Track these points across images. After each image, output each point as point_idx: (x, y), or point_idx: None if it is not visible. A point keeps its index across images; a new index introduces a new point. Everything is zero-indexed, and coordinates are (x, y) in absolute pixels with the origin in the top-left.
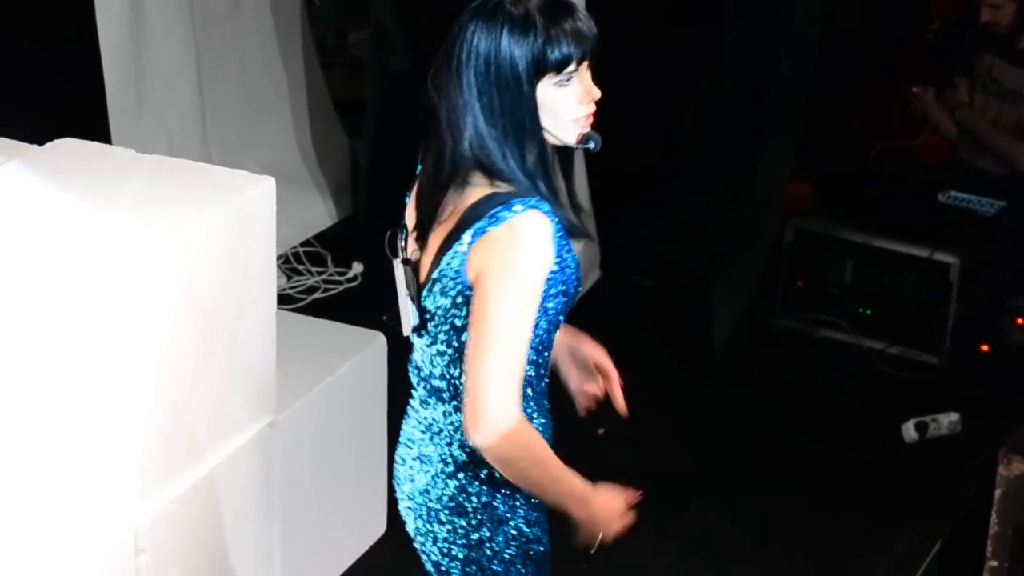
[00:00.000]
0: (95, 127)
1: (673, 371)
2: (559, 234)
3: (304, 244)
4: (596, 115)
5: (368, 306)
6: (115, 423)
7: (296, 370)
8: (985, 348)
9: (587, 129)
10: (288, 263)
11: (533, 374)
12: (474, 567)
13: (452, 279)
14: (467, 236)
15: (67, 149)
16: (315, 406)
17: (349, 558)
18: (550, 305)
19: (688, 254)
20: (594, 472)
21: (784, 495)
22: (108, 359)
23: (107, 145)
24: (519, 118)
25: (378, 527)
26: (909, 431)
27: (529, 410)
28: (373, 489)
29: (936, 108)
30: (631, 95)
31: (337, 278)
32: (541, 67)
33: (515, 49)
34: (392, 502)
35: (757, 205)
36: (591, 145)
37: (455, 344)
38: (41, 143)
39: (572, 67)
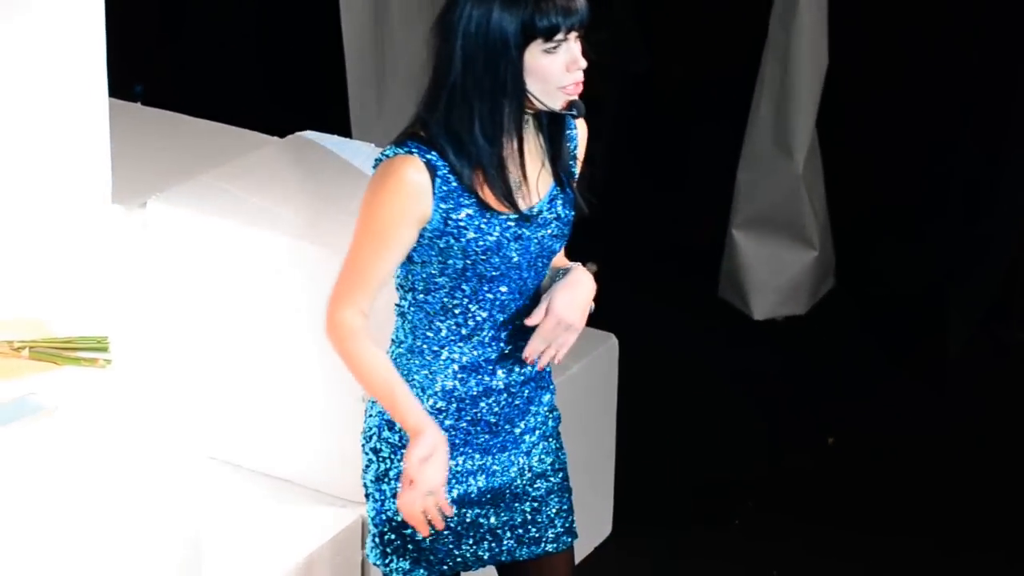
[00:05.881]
0: (337, 126)
1: (904, 382)
2: (445, 189)
3: None
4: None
5: (599, 307)
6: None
7: None
8: None
9: (573, 96)
10: None
11: (448, 319)
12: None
13: None
14: None
15: (305, 142)
16: None
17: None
18: (446, 261)
19: (925, 265)
20: (823, 481)
21: (1019, 510)
22: None
23: (345, 138)
24: (501, 79)
25: (604, 528)
26: None
27: (446, 351)
28: (600, 490)
29: None
30: (870, 104)
31: None
32: (529, 33)
33: (506, 15)
34: (618, 503)
35: (996, 217)
36: (575, 112)
37: None
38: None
39: (560, 35)
